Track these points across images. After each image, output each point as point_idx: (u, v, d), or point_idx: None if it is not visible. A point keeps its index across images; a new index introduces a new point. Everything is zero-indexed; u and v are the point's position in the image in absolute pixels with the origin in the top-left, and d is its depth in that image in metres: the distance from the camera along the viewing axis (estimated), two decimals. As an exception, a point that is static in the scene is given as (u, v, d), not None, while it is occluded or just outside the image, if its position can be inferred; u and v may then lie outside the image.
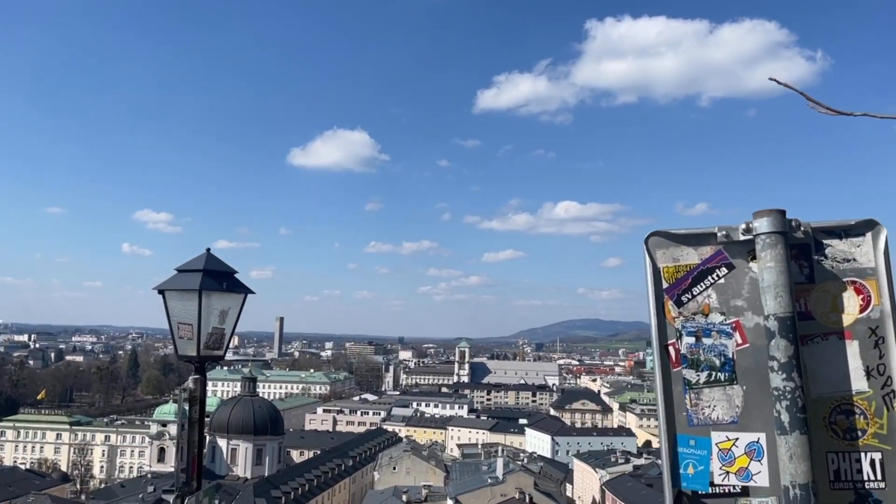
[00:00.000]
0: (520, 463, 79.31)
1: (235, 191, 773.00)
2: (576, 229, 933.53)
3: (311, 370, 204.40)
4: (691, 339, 2.29)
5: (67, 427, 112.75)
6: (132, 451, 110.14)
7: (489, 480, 66.66)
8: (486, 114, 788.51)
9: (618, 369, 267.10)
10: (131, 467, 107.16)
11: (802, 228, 2.27)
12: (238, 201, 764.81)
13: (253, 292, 6.33)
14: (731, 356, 2.27)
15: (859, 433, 2.20)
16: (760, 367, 2.20)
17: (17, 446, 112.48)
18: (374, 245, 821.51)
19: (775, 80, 3.87)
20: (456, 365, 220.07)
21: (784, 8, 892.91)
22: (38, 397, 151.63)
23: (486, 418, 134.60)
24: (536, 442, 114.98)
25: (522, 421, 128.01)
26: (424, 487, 70.08)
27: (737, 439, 2.22)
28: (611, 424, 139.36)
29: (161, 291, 6.10)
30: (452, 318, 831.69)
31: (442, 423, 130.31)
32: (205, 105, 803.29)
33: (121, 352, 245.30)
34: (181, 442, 5.90)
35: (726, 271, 2.32)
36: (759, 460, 2.18)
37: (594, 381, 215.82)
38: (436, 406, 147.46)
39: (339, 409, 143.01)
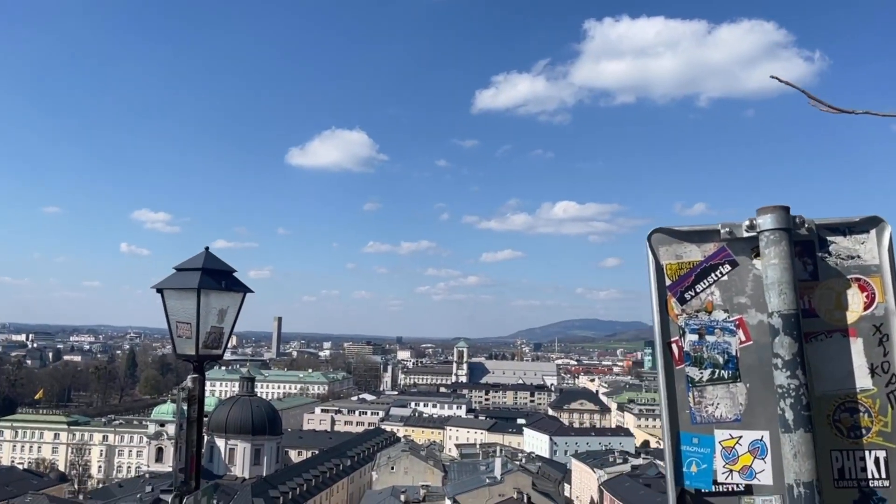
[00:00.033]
0: (518, 463, 79.31)
1: (234, 191, 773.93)
2: (574, 229, 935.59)
3: (310, 370, 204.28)
4: (694, 337, 2.27)
5: (65, 427, 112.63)
6: (130, 450, 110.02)
7: (487, 480, 66.64)
8: (484, 114, 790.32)
9: (616, 369, 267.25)
10: (129, 467, 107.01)
11: (806, 225, 2.25)
12: (236, 201, 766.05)
13: (252, 291, 6.31)
14: (734, 354, 2.25)
15: (863, 431, 2.18)
16: (764, 364, 2.18)
17: (14, 446, 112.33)
18: (372, 245, 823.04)
19: (777, 78, 3.86)
20: (454, 365, 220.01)
21: (782, 8, 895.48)
22: (36, 397, 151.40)
23: (484, 418, 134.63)
24: (534, 442, 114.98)
25: (520, 421, 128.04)
26: (422, 487, 70.06)
27: (740, 437, 2.20)
28: (609, 424, 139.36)
29: (160, 290, 6.08)
30: (451, 318, 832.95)
31: (440, 423, 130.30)
32: (203, 105, 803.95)
33: (119, 352, 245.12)
34: (180, 441, 5.89)
35: (729, 268, 2.30)
36: (763, 458, 2.17)
37: (592, 381, 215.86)
38: (434, 406, 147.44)
39: (337, 409, 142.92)
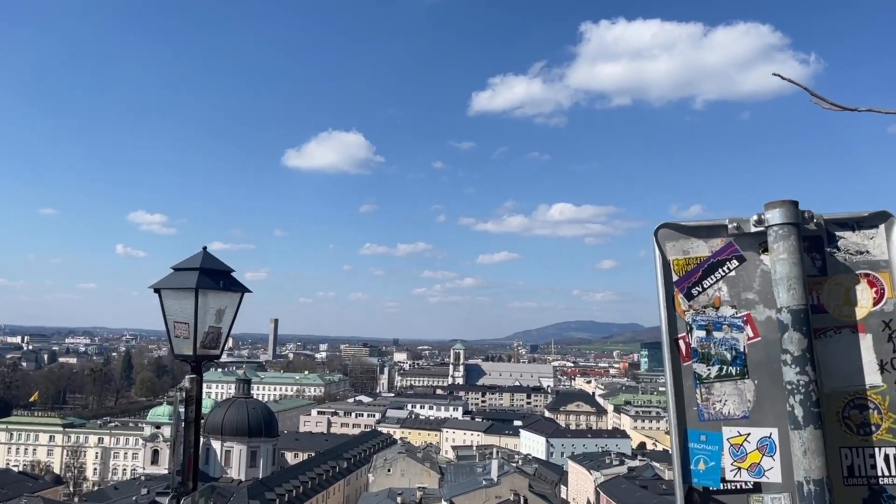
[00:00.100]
0: (514, 465, 79.33)
1: (230, 192, 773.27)
2: (570, 231, 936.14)
3: (306, 372, 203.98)
4: (702, 333, 2.25)
5: (60, 429, 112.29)
6: (125, 453, 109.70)
7: (484, 482, 66.62)
8: (480, 116, 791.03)
9: (612, 371, 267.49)
10: (125, 469, 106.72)
11: (815, 220, 2.23)
12: (233, 203, 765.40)
13: (250, 291, 6.28)
14: (742, 350, 2.23)
15: (873, 428, 2.17)
16: (772, 361, 2.16)
17: (9, 448, 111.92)
18: (368, 247, 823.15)
19: (779, 76, 3.83)
20: (451, 367, 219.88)
21: (778, 11, 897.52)
22: (31, 399, 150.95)
23: (480, 420, 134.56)
24: (531, 444, 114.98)
25: (517, 423, 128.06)
26: (419, 489, 69.94)
27: (748, 434, 2.18)
28: (605, 426, 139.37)
29: (157, 290, 6.04)
30: (447, 319, 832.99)
31: (436, 424, 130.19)
32: (200, 106, 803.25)
33: (114, 353, 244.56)
34: (177, 442, 5.85)
35: (737, 264, 2.28)
36: (772, 456, 2.15)
37: (589, 382, 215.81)
38: (430, 408, 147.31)
39: (333, 410, 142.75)
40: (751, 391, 2.20)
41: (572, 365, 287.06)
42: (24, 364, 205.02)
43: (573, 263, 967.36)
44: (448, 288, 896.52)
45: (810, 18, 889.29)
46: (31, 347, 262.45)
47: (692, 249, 2.32)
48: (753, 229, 2.23)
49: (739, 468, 2.16)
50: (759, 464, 2.15)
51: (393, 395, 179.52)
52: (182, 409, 5.82)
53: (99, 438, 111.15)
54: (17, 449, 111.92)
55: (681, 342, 2.26)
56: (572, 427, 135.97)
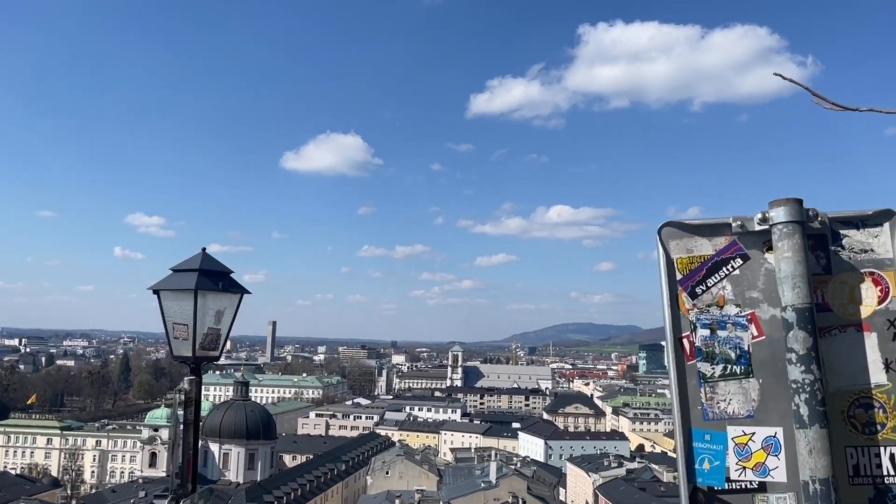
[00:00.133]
0: (513, 467, 79.27)
1: (228, 194, 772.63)
2: (568, 233, 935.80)
3: (304, 374, 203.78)
4: (706, 332, 2.24)
5: (58, 432, 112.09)
6: (123, 455, 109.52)
7: (482, 485, 66.59)
8: (479, 118, 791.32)
9: (610, 373, 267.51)
10: (122, 472, 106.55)
11: (819, 218, 2.23)
12: (231, 205, 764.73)
13: (249, 292, 6.27)
14: (746, 349, 2.22)
15: (878, 427, 2.16)
16: (777, 359, 2.15)
17: (7, 451, 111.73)
18: (367, 249, 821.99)
19: (780, 76, 3.83)
20: (449, 369, 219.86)
21: (775, 14, 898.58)
22: (29, 402, 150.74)
23: (479, 422, 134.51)
24: (529, 446, 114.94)
25: (515, 425, 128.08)
26: (417, 492, 69.90)
27: (753, 434, 2.16)
28: (604, 428, 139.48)
29: (156, 291, 6.03)
30: (445, 321, 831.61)
31: (435, 427, 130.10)
32: (198, 108, 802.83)
33: (112, 356, 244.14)
34: (176, 443, 5.83)
35: (741, 262, 2.27)
36: (777, 455, 2.13)
37: (587, 384, 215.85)
38: (429, 410, 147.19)
39: (331, 413, 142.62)
40: (755, 390, 2.19)
41: (570, 367, 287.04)
42: (21, 367, 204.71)
43: (571, 265, 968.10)
44: (446, 290, 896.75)
45: (807, 21, 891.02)
46: (28, 350, 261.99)
47: (696, 248, 2.31)
48: (757, 227, 2.22)
49: (744, 468, 2.15)
50: (764, 463, 2.14)
51: (391, 397, 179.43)
52: (181, 411, 5.81)
53: (97, 441, 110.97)
54: (15, 452, 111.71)
55: (685, 341, 2.25)
56: (571, 429, 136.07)
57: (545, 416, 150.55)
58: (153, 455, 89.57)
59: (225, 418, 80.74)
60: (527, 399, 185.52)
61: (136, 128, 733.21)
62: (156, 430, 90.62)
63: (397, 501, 66.47)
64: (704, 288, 2.27)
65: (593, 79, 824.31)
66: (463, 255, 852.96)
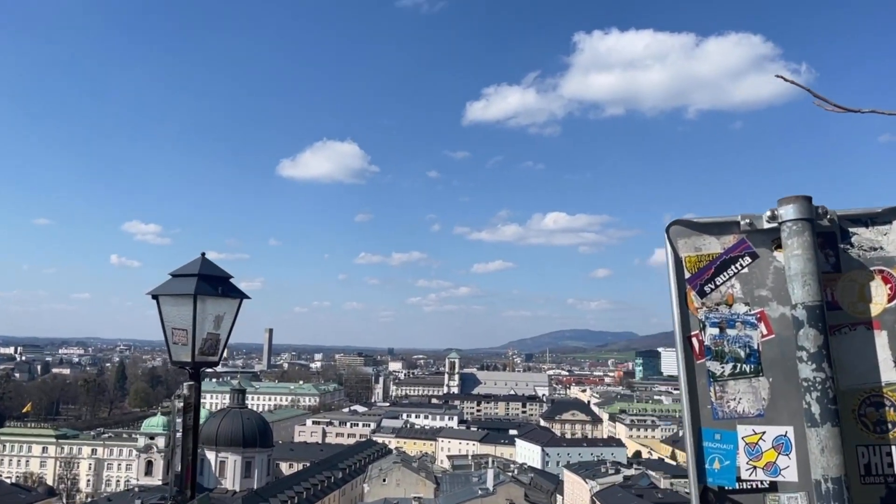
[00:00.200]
0: (510, 474, 79.07)
1: (225, 202, 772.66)
2: (564, 240, 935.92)
3: (301, 382, 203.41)
4: (715, 331, 2.23)
5: (54, 440, 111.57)
6: (119, 464, 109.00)
7: (479, 492, 66.41)
8: (475, 126, 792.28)
9: (607, 380, 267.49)
10: (118, 481, 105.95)
11: (828, 216, 2.22)
12: (227, 212, 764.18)
13: (248, 297, 6.25)
14: (756, 347, 2.20)
15: (890, 426, 2.14)
16: (787, 358, 2.14)
17: (2, 460, 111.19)
18: (363, 256, 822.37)
19: (782, 78, 3.84)
20: (446, 376, 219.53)
21: (769, 22, 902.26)
22: (24, 410, 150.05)
23: (476, 429, 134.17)
24: (527, 453, 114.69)
25: (512, 432, 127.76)
26: (414, 499, 69.65)
27: (763, 433, 2.15)
28: (601, 435, 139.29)
29: (155, 296, 6.01)
30: (442, 328, 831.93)
31: (432, 434, 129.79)
32: (194, 116, 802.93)
33: (108, 364, 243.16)
34: (175, 449, 5.80)
35: (750, 260, 2.26)
36: (788, 454, 2.12)
37: (584, 391, 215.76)
38: (426, 417, 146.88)
39: (328, 420, 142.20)
40: (765, 389, 2.18)
41: (567, 373, 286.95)
42: (17, 375, 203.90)
43: (567, 272, 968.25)
44: (443, 297, 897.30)
45: (801, 29, 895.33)
46: (24, 358, 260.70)
47: (704, 246, 2.30)
48: (766, 225, 2.21)
49: (755, 467, 2.13)
50: (774, 462, 2.12)
51: (388, 404, 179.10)
52: (180, 418, 5.78)
53: (92, 450, 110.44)
54: (10, 461, 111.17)
55: (694, 340, 2.24)
56: (568, 436, 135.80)
57: (542, 422, 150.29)
58: (149, 463, 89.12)
59: (221, 426, 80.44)
60: (524, 406, 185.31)
61: (133, 135, 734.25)
62: (152, 438, 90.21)
63: (394, 509, 66.30)
64: (713, 286, 2.26)
65: (589, 86, 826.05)
66: (459, 262, 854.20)
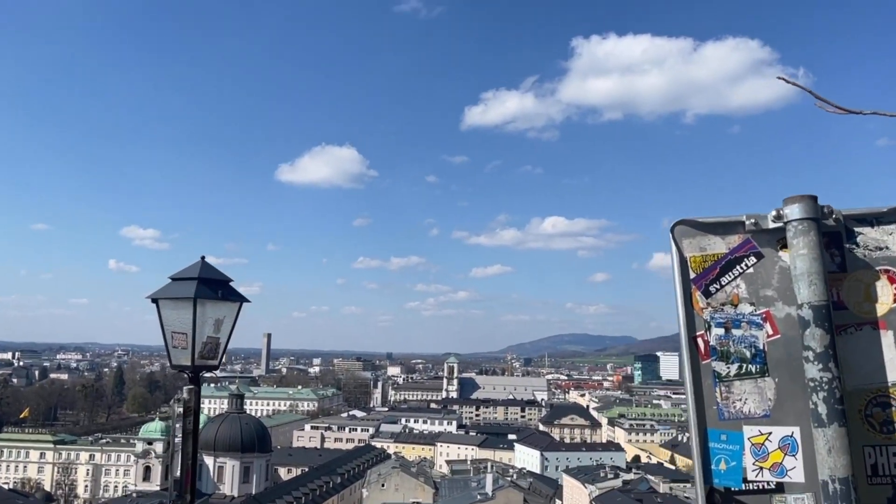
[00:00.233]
0: (509, 479, 79.08)
1: (223, 207, 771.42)
2: (563, 244, 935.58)
3: (299, 387, 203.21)
4: (720, 331, 2.21)
5: (51, 446, 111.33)
6: (117, 469, 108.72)
7: (478, 497, 66.37)
8: (473, 130, 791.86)
9: (606, 384, 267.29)
10: (116, 486, 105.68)
11: (834, 216, 2.21)
12: (226, 217, 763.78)
13: (248, 301, 6.24)
14: (761, 347, 2.19)
15: None
16: (793, 358, 2.13)
17: (0, 465, 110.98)
18: (362, 260, 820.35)
19: (784, 79, 3.84)
20: (444, 380, 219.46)
21: (766, 26, 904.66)
22: (22, 416, 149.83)
23: (475, 434, 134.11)
24: (525, 457, 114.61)
25: (511, 436, 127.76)
26: (414, 504, 69.68)
27: (770, 433, 2.13)
28: (600, 439, 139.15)
29: (155, 300, 5.99)
30: (441, 333, 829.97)
31: (431, 439, 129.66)
32: (193, 120, 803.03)
33: (106, 369, 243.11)
34: (173, 453, 5.78)
35: (755, 260, 2.25)
36: (794, 455, 2.10)
37: (583, 395, 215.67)
38: (424, 422, 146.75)
39: (326, 425, 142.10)
40: (771, 389, 2.16)
41: (566, 378, 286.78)
42: (14, 380, 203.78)
43: (566, 276, 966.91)
44: (441, 301, 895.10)
45: (799, 33, 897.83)
46: (21, 363, 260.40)
47: (709, 246, 2.29)
48: (772, 225, 2.20)
49: (761, 468, 2.12)
50: (781, 463, 2.11)
51: (387, 409, 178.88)
52: (179, 423, 5.76)
53: (90, 455, 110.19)
54: (8, 466, 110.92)
55: (699, 340, 2.23)
56: (567, 440, 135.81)
57: (541, 427, 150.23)
58: (147, 469, 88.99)
59: (220, 431, 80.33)
60: (523, 410, 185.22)
61: (132, 140, 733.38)
62: (150, 443, 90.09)
63: (393, 514, 66.22)
64: (718, 286, 2.25)
65: (587, 91, 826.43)
66: (458, 267, 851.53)
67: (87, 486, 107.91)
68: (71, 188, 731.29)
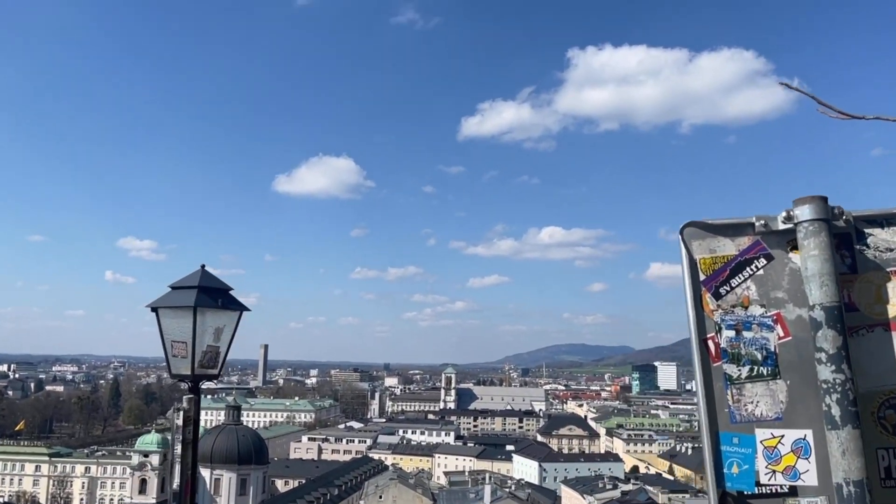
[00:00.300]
0: (507, 490, 78.73)
1: (220, 218, 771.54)
2: (560, 254, 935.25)
3: (296, 398, 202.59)
4: (731, 333, 2.20)
5: (47, 458, 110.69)
6: (113, 482, 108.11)
7: (477, 508, 66.08)
8: (470, 141, 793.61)
9: (604, 394, 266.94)
10: (112, 499, 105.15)
11: (844, 217, 2.20)
12: (223, 228, 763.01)
13: (248, 309, 6.22)
14: (773, 349, 2.17)
15: None
16: (804, 360, 2.11)
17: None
18: (359, 271, 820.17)
19: (786, 85, 3.85)
20: (442, 391, 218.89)
21: (761, 37, 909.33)
22: (17, 428, 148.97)
23: (472, 445, 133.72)
24: (524, 468, 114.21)
25: (509, 447, 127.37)
26: (412, 516, 69.36)
27: (782, 436, 2.11)
28: (598, 450, 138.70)
29: (154, 309, 5.97)
30: (438, 343, 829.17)
31: (428, 450, 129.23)
32: (190, 131, 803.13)
33: (102, 381, 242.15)
34: (173, 463, 5.74)
35: (765, 262, 2.24)
36: (807, 458, 2.08)
37: (581, 406, 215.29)
38: (422, 433, 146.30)
39: (324, 437, 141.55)
40: (783, 392, 2.15)
41: (564, 388, 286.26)
42: (10, 393, 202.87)
43: (563, 286, 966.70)
44: (439, 312, 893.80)
45: (792, 44, 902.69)
46: (17, 376, 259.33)
47: (719, 248, 2.28)
48: (782, 226, 2.19)
49: (774, 471, 2.10)
50: (794, 466, 2.09)
51: (384, 420, 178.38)
52: (179, 434, 5.73)
53: (86, 468, 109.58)
54: (3, 479, 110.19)
55: (710, 342, 2.21)
56: (565, 451, 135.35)
57: (539, 438, 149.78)
58: (143, 481, 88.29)
59: (216, 443, 79.76)
60: (521, 421, 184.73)
61: (128, 151, 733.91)
62: (146, 455, 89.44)
63: (391, 526, 65.91)
64: (728, 288, 2.24)
65: (583, 102, 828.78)
66: (455, 277, 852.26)
67: (82, 499, 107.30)
68: (68, 199, 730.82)
